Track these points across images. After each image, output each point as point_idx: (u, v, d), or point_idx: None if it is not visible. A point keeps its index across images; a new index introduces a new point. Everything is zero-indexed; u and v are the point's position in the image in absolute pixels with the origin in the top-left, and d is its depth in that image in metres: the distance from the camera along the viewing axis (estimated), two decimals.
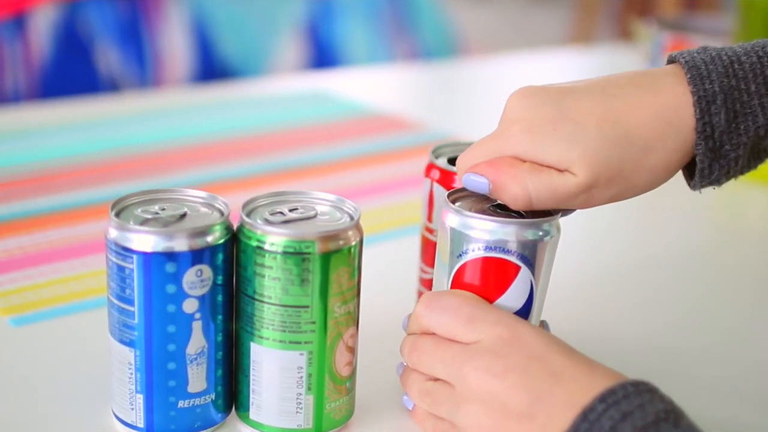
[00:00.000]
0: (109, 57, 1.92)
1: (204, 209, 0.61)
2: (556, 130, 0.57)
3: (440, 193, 0.69)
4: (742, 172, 0.60)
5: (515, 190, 0.58)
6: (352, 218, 0.60)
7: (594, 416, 0.51)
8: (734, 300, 0.84)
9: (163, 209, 0.60)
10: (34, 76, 1.84)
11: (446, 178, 0.69)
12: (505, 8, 4.90)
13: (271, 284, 0.58)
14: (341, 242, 0.58)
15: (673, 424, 0.49)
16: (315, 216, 0.60)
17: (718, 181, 0.59)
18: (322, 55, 2.12)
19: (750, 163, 0.60)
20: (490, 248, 0.59)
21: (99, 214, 0.91)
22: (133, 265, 0.57)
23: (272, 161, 1.06)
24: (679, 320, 0.80)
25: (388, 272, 0.79)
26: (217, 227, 0.58)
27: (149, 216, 0.59)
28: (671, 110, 0.58)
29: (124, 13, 1.96)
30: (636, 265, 0.90)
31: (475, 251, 0.59)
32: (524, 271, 0.59)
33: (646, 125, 0.57)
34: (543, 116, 0.58)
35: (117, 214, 0.59)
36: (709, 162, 0.58)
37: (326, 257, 0.57)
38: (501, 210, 0.61)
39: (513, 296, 0.60)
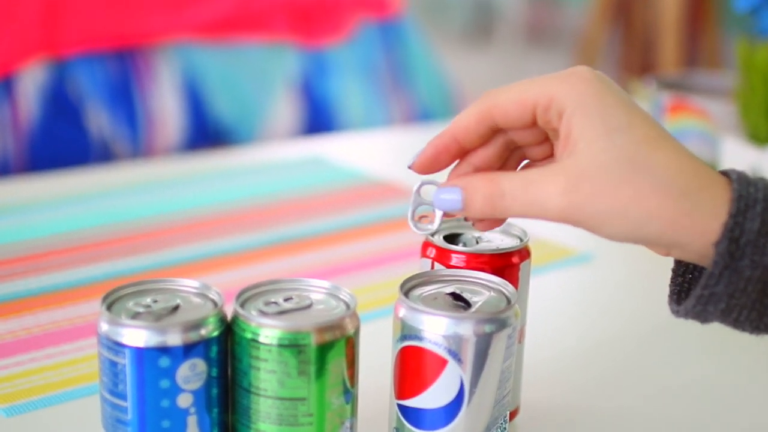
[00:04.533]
0: (100, 119, 1.91)
1: (197, 299, 0.59)
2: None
3: None
4: (736, 319, 0.55)
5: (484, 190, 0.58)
6: (348, 307, 0.59)
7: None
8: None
9: (156, 301, 0.59)
10: (23, 140, 1.82)
11: (443, 257, 0.67)
12: (501, 54, 4.90)
13: (267, 377, 0.56)
14: (338, 333, 0.57)
15: None
16: (310, 306, 0.59)
17: (709, 308, 0.55)
18: (317, 112, 2.11)
19: (750, 313, 0.55)
20: (419, 338, 0.58)
21: (91, 294, 0.89)
22: (126, 360, 0.56)
23: (269, 235, 1.05)
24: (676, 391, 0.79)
25: (387, 350, 0.78)
26: (211, 319, 0.57)
27: (141, 309, 0.58)
28: (703, 201, 0.54)
29: (114, 73, 1.95)
30: (630, 333, 0.89)
31: (407, 340, 0.59)
32: (452, 365, 0.58)
33: (679, 175, 0.54)
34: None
35: (108, 307, 0.58)
36: (720, 270, 0.53)
37: (323, 349, 0.56)
38: (458, 300, 0.60)
39: (437, 392, 0.58)
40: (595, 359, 0.83)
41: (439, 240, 0.68)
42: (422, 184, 0.63)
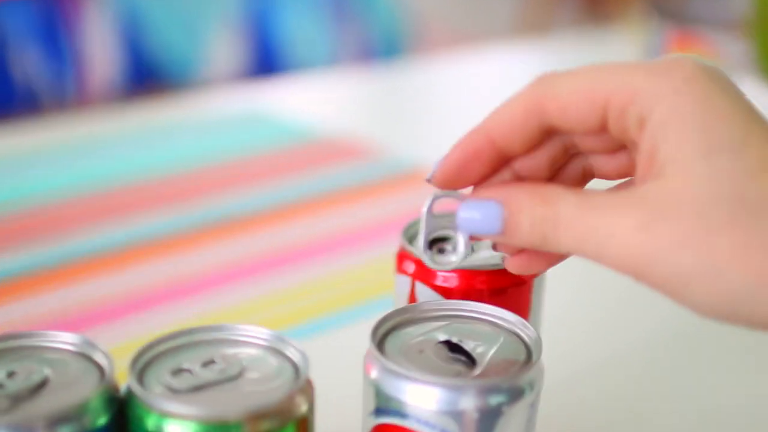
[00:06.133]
0: (25, 61, 1.75)
1: (74, 366, 0.41)
2: None
3: (424, 295, 0.49)
4: None
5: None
6: (297, 371, 0.40)
7: None
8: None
9: (12, 374, 0.40)
10: None
11: (426, 274, 0.49)
12: None
13: None
14: (283, 417, 0.39)
15: None
16: (241, 374, 0.40)
17: None
18: (262, 47, 1.95)
19: None
20: (401, 415, 0.40)
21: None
22: None
23: (205, 211, 0.86)
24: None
25: (351, 367, 0.59)
26: (95, 401, 0.39)
27: None
28: None
29: (39, 11, 1.79)
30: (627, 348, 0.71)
31: (383, 416, 0.41)
32: None
33: None
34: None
35: None
36: None
37: None
38: (455, 352, 0.42)
39: None
40: (620, 381, 0.65)
41: (420, 250, 0.50)
42: (436, 197, 0.44)
